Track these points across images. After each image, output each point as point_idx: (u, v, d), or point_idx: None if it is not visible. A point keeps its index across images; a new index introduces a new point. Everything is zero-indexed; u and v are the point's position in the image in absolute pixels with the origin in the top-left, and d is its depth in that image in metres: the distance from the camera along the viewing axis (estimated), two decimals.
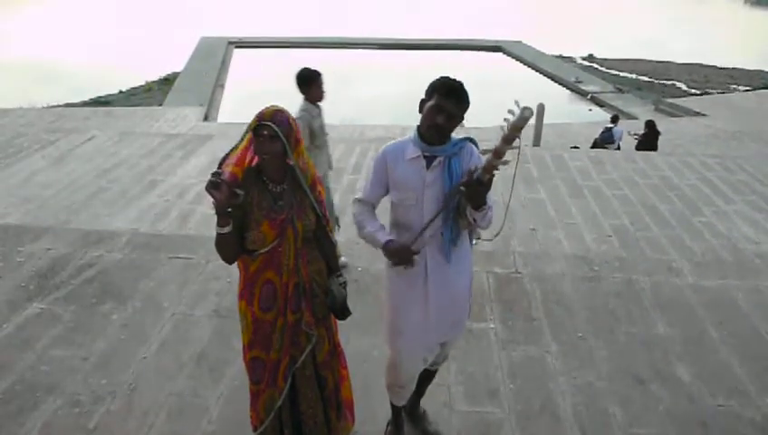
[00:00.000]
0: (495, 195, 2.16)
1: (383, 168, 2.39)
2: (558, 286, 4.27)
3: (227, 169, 2.15)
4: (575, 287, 4.27)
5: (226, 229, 2.12)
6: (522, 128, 1.91)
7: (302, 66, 4.47)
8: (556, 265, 4.61)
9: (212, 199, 2.04)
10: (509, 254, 4.79)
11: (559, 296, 4.14)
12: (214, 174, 2.03)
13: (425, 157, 2.29)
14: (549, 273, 4.46)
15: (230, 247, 2.19)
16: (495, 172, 2.04)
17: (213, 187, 2.02)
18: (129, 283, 4.16)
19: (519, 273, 4.44)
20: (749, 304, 4.05)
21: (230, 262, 2.27)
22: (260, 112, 2.13)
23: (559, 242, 5.85)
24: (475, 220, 2.20)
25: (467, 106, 2.24)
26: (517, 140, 1.95)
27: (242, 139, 2.21)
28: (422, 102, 2.27)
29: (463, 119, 2.30)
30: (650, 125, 11.24)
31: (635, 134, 11.53)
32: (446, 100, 2.18)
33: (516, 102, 1.91)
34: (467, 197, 2.11)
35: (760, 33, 37.84)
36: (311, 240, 2.34)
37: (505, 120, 1.93)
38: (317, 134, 4.34)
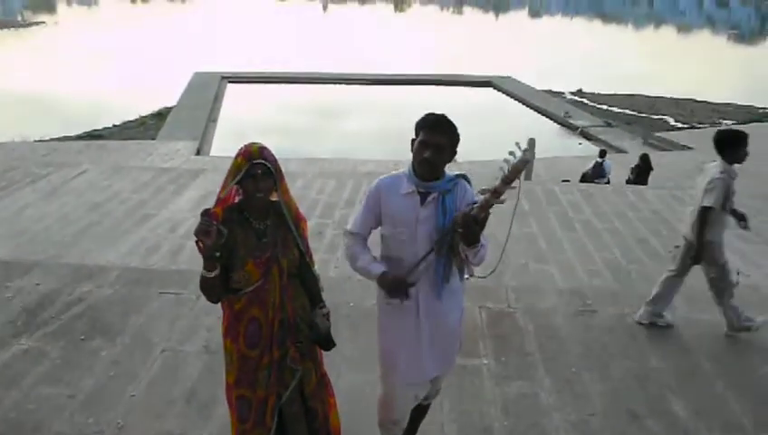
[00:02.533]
0: (488, 231, 2.17)
1: (376, 201, 2.41)
2: (551, 321, 4.26)
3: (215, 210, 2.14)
4: (568, 322, 4.26)
5: (214, 273, 2.11)
6: (522, 170, 1.95)
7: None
8: (549, 299, 4.61)
9: (200, 243, 2.02)
10: (501, 288, 4.78)
11: (552, 331, 4.12)
12: (203, 218, 2.01)
13: (419, 192, 2.31)
14: (542, 307, 4.46)
15: (216, 289, 2.19)
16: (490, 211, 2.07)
17: (204, 232, 2.00)
18: (118, 318, 4.12)
19: (512, 308, 4.43)
20: (742, 337, 4.05)
21: (216, 302, 2.27)
22: (246, 152, 2.13)
23: (551, 276, 5.84)
24: (467, 257, 2.21)
25: (456, 137, 2.28)
26: (517, 180, 1.98)
27: (234, 180, 2.17)
28: (412, 141, 2.32)
29: (455, 153, 2.33)
30: (644, 159, 11.36)
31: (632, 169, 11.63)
32: (432, 133, 2.23)
33: (517, 144, 1.95)
34: (462, 234, 2.13)
35: (743, 68, 38.57)
36: (294, 275, 2.33)
37: (506, 160, 1.96)
38: (730, 199, 4.08)
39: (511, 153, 1.94)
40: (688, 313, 4.37)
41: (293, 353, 2.32)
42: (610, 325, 4.21)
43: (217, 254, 2.08)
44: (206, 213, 2.01)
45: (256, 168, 2.11)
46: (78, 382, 3.43)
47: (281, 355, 2.30)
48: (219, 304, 2.31)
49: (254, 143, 2.17)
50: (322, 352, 2.52)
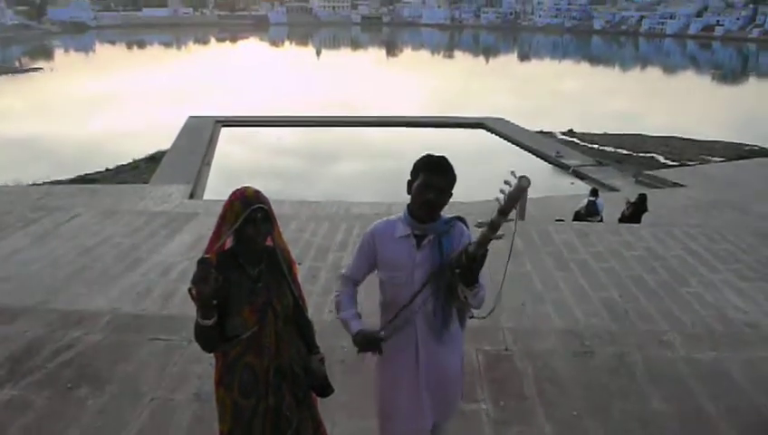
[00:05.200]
0: (483, 270, 2.12)
1: (371, 247, 2.37)
2: (550, 363, 4.18)
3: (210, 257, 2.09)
4: (567, 363, 4.18)
5: (211, 322, 2.05)
6: (518, 198, 1.88)
7: None
8: (547, 340, 4.53)
9: (194, 291, 1.97)
10: (498, 330, 4.71)
11: (551, 373, 4.04)
12: (201, 265, 1.96)
13: (415, 235, 2.28)
14: (540, 349, 4.38)
15: (212, 338, 2.12)
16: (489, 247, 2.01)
17: (203, 280, 1.95)
18: (107, 366, 4.02)
19: (509, 350, 4.36)
20: (744, 377, 3.98)
21: (211, 351, 2.20)
22: (243, 197, 2.10)
23: (548, 317, 5.78)
24: (466, 298, 2.16)
25: (454, 179, 2.25)
26: (513, 211, 1.93)
27: (233, 226, 2.12)
28: (409, 183, 2.29)
29: (451, 194, 2.31)
30: (642, 199, 11.42)
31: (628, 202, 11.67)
32: (434, 175, 2.20)
33: (512, 172, 1.89)
34: (460, 274, 2.08)
35: (728, 107, 39.33)
36: (289, 321, 2.28)
37: (501, 191, 1.90)
38: None
39: (506, 182, 1.90)
40: (690, 351, 4.31)
41: (289, 401, 2.25)
42: (610, 366, 4.13)
43: (214, 301, 2.03)
44: (203, 261, 1.97)
45: (256, 212, 2.08)
46: (63, 434, 3.31)
47: (276, 403, 2.23)
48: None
49: (247, 187, 2.14)
50: (317, 399, 2.45)
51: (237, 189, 2.14)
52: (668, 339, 4.51)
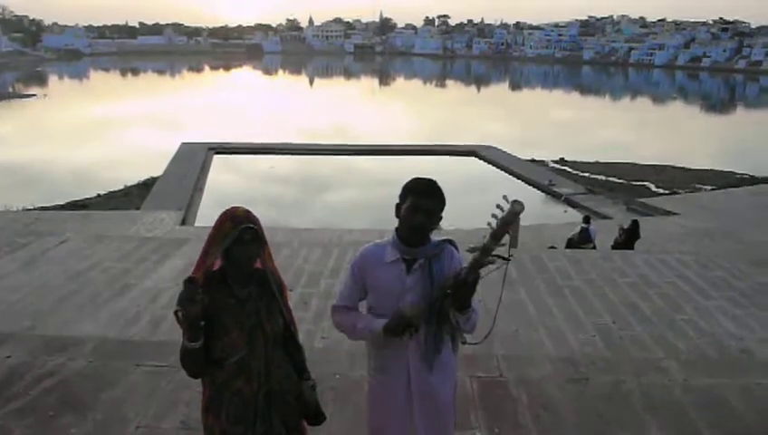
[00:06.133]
0: (476, 297, 2.08)
1: (361, 271, 2.32)
2: (544, 390, 4.11)
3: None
4: (562, 390, 4.11)
5: (198, 344, 1.99)
6: (511, 223, 1.85)
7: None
8: (541, 367, 4.47)
9: (180, 313, 1.91)
10: (492, 357, 4.64)
11: (546, 400, 3.97)
12: (188, 286, 1.90)
13: (404, 260, 2.23)
14: (534, 376, 4.32)
15: (199, 361, 2.05)
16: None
17: (189, 301, 1.89)
18: (91, 393, 3.91)
19: (503, 377, 4.29)
20: (741, 403, 3.92)
21: (198, 376, 2.12)
22: (233, 216, 2.05)
23: (542, 344, 5.71)
24: (458, 323, 2.11)
25: (444, 202, 2.21)
26: (507, 236, 1.89)
27: (222, 246, 2.07)
28: (397, 206, 2.25)
29: (441, 218, 2.27)
30: (635, 225, 11.45)
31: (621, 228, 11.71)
32: (423, 198, 2.16)
33: (505, 197, 1.86)
34: (453, 298, 2.04)
35: (717, 136, 39.86)
36: (279, 345, 2.21)
37: (494, 215, 1.87)
38: None
39: (499, 207, 1.86)
40: (686, 378, 4.25)
41: (279, 429, 2.17)
42: (605, 393, 4.07)
43: (201, 323, 1.97)
44: (190, 280, 1.91)
45: (245, 232, 2.03)
46: None
47: (265, 431, 2.15)
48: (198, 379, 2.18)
49: (238, 207, 2.10)
50: (308, 427, 2.38)
51: (228, 209, 2.10)
52: (665, 366, 4.46)
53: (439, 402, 2.34)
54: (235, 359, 2.09)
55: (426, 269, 2.22)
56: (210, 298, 2.02)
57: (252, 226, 2.04)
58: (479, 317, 2.16)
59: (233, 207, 2.10)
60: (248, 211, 2.09)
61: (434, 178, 2.25)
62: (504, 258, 1.93)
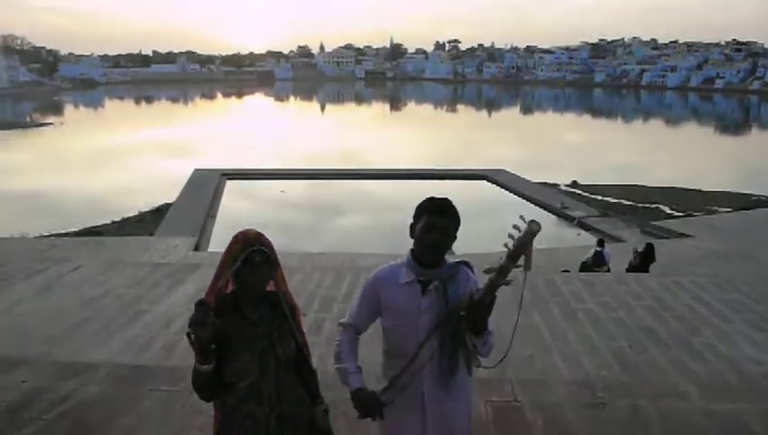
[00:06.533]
0: (491, 320, 2.06)
1: (374, 293, 2.31)
2: (560, 414, 4.05)
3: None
4: (578, 415, 4.05)
5: (209, 367, 1.99)
6: (528, 243, 1.82)
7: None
8: (556, 392, 4.41)
9: (192, 335, 1.92)
10: (506, 381, 4.58)
11: (562, 426, 3.91)
12: (199, 308, 1.90)
13: (419, 281, 2.22)
14: (550, 400, 4.25)
15: (210, 384, 2.04)
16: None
17: (200, 324, 1.89)
18: (105, 418, 3.90)
19: (518, 401, 4.23)
20: (766, 430, 3.83)
21: (209, 400, 2.11)
22: (244, 238, 2.06)
23: (557, 368, 5.63)
24: (475, 347, 2.08)
25: (458, 221, 2.21)
26: (523, 257, 1.87)
27: (232, 268, 2.07)
28: (412, 226, 2.25)
29: (455, 238, 2.26)
30: (650, 248, 11.35)
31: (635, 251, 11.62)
32: (438, 216, 2.16)
33: (522, 217, 1.84)
34: (468, 321, 2.01)
35: (732, 158, 39.59)
36: (291, 368, 2.19)
37: (510, 236, 1.85)
38: None
39: (515, 227, 1.85)
40: (707, 403, 4.16)
41: None
42: (623, 418, 3.99)
43: (213, 346, 1.97)
44: (201, 303, 1.92)
45: (255, 255, 2.03)
46: None
47: None
48: (211, 402, 2.17)
49: (250, 229, 2.11)
50: None
51: (239, 231, 2.11)
52: (683, 390, 4.38)
53: (454, 426, 2.31)
54: (246, 383, 2.08)
55: (441, 291, 2.20)
56: (221, 321, 2.02)
57: (263, 248, 2.04)
58: (494, 339, 2.14)
59: (244, 230, 2.11)
60: (260, 234, 2.10)
61: (447, 197, 2.25)
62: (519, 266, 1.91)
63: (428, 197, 2.26)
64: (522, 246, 1.84)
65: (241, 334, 2.09)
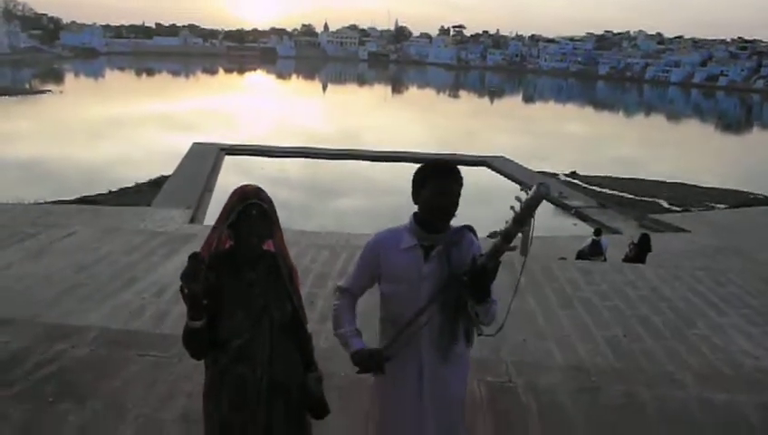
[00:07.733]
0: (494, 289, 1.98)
1: (374, 257, 2.22)
2: (555, 398, 4.00)
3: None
4: (573, 399, 4.00)
5: (200, 323, 1.91)
6: (535, 207, 1.74)
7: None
8: (551, 375, 4.36)
9: (186, 290, 1.84)
10: (501, 363, 4.53)
11: (556, 408, 3.86)
12: (192, 261, 1.83)
13: (422, 246, 2.13)
14: (544, 383, 4.20)
15: (201, 341, 1.97)
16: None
17: (191, 277, 1.82)
18: (91, 381, 3.83)
19: (513, 382, 4.18)
20: (763, 422, 3.78)
21: (200, 357, 2.04)
22: (241, 192, 1.98)
23: (551, 353, 5.60)
24: (477, 315, 2.00)
25: (462, 184, 2.13)
26: (532, 221, 1.79)
27: (227, 222, 2.01)
28: (414, 192, 2.15)
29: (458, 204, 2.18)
30: (645, 239, 11.30)
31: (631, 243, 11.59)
32: (448, 180, 2.06)
33: (524, 190, 1.77)
34: (471, 287, 1.93)
35: (732, 155, 39.58)
36: (286, 331, 2.12)
37: (517, 198, 1.77)
38: None
39: (523, 189, 1.76)
40: (702, 392, 4.12)
41: (281, 419, 2.08)
42: (618, 403, 3.95)
43: (204, 301, 1.90)
44: (194, 256, 1.84)
45: (252, 207, 1.95)
46: None
47: (267, 421, 2.06)
48: (201, 369, 2.10)
49: (249, 184, 2.03)
50: (311, 421, 2.29)
51: (239, 186, 2.02)
52: (679, 378, 4.33)
53: (451, 395, 2.25)
54: (239, 342, 2.01)
55: (444, 256, 2.11)
56: (216, 277, 1.94)
57: (260, 202, 1.96)
58: (498, 308, 2.06)
59: (245, 184, 2.03)
60: (259, 188, 2.02)
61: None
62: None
63: (432, 161, 2.17)
64: (528, 210, 1.76)
65: (236, 293, 2.02)
